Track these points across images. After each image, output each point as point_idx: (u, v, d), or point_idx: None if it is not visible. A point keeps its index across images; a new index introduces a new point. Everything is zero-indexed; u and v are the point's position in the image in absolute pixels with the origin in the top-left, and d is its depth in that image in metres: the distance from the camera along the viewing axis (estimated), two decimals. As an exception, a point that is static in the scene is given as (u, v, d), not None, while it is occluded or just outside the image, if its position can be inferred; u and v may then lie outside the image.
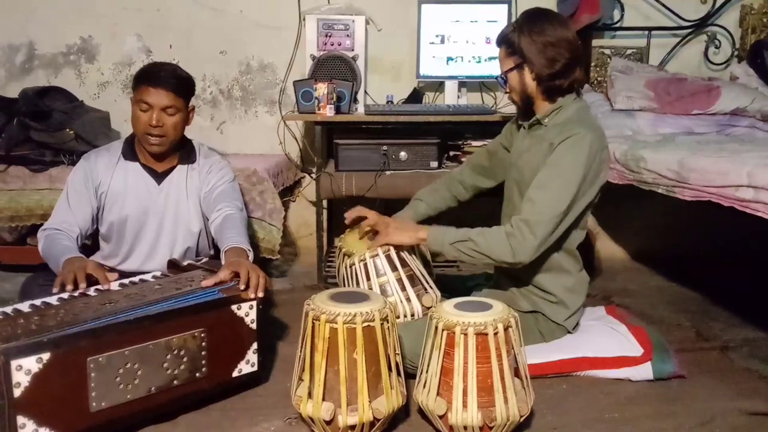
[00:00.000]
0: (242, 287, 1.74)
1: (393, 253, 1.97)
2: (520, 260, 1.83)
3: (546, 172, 1.85)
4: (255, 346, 1.79)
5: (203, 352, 1.67)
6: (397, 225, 2.02)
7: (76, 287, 1.75)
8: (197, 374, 1.67)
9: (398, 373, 1.63)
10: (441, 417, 1.57)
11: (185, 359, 1.64)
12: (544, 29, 1.89)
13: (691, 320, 2.44)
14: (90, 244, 2.29)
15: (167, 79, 2.02)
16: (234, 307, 1.73)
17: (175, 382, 1.63)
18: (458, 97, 3.07)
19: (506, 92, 2.04)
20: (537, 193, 1.84)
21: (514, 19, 2.95)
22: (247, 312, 1.75)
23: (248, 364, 1.78)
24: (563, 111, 1.94)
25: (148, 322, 1.58)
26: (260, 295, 1.76)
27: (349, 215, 2.12)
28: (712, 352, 2.14)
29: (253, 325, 1.77)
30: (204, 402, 1.74)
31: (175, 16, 3.18)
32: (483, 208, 2.39)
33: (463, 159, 2.84)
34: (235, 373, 1.76)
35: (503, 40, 1.98)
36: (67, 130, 2.74)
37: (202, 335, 1.66)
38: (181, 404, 1.69)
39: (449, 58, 3.04)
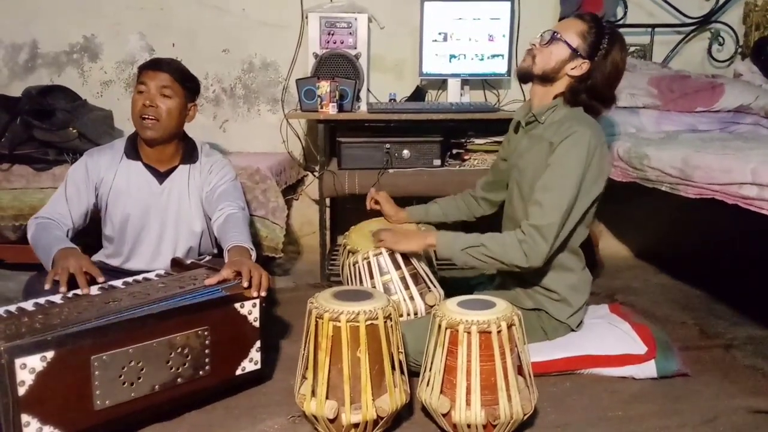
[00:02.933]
0: (245, 285, 1.74)
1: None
2: (532, 265, 1.83)
3: (550, 174, 1.85)
4: (258, 344, 1.79)
5: (206, 350, 1.68)
6: (404, 232, 2.04)
7: (69, 288, 1.73)
8: (201, 372, 1.67)
9: (402, 372, 1.62)
10: (444, 415, 1.57)
11: (189, 357, 1.64)
12: (625, 62, 1.93)
13: (694, 318, 2.43)
14: (92, 243, 2.29)
15: (167, 64, 2.09)
16: (237, 306, 1.73)
17: (178, 380, 1.63)
18: (461, 94, 3.07)
19: (535, 45, 1.94)
20: (543, 196, 1.84)
21: (516, 18, 3.00)
22: (250, 310, 1.76)
23: (251, 362, 1.78)
24: (559, 110, 1.95)
25: (151, 321, 1.58)
26: (263, 294, 1.76)
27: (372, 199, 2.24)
28: (716, 350, 2.13)
29: (257, 323, 1.77)
30: (207, 400, 1.74)
31: (178, 14, 3.19)
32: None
33: (466, 157, 2.85)
34: (238, 371, 1.76)
35: (590, 24, 1.90)
36: (70, 128, 2.74)
37: (206, 333, 1.66)
38: (185, 402, 1.69)
39: (452, 56, 3.03)
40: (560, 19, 2.87)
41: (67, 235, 2.02)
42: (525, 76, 2.00)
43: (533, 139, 1.98)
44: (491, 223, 2.13)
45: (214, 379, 1.71)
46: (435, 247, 1.94)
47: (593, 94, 1.92)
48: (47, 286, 1.74)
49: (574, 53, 1.89)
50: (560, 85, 1.94)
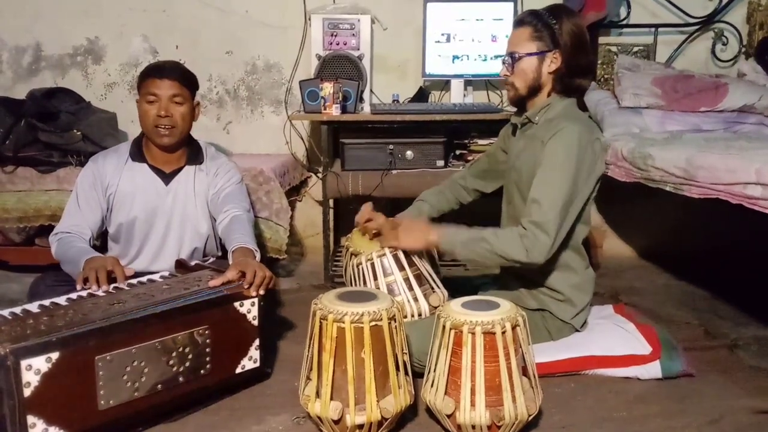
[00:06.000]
0: (247, 286, 1.76)
1: (400, 252, 1.97)
2: (534, 260, 1.81)
3: (543, 171, 1.85)
4: (257, 342, 1.80)
5: (207, 349, 1.69)
6: (406, 229, 1.98)
7: (99, 286, 1.77)
8: (201, 371, 1.69)
9: (406, 373, 1.62)
10: (449, 416, 1.57)
11: (190, 356, 1.66)
12: (581, 25, 1.92)
13: (699, 318, 2.43)
14: (99, 245, 2.30)
15: (172, 70, 2.08)
16: (236, 304, 1.75)
17: (180, 379, 1.65)
18: (464, 95, 3.07)
19: (506, 75, 1.97)
20: (539, 193, 1.83)
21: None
22: (249, 309, 1.77)
23: (251, 360, 1.80)
24: (552, 108, 1.95)
25: (153, 321, 1.59)
26: (261, 292, 1.78)
27: (360, 218, 2.11)
28: (721, 350, 2.13)
29: (255, 322, 1.79)
30: (209, 399, 1.75)
31: (181, 16, 3.19)
32: (482, 207, 2.38)
33: (469, 158, 2.85)
34: (238, 369, 1.78)
35: (532, 22, 1.91)
36: (75, 131, 2.75)
37: (206, 332, 1.68)
38: (186, 401, 1.70)
39: (455, 57, 3.03)
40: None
41: (90, 244, 2.04)
42: (519, 102, 2.01)
43: (528, 139, 1.98)
44: (486, 219, 2.10)
45: (215, 378, 1.72)
46: (437, 243, 1.93)
47: (573, 71, 1.92)
48: (78, 286, 1.77)
49: (541, 55, 1.90)
50: (548, 85, 1.95)
